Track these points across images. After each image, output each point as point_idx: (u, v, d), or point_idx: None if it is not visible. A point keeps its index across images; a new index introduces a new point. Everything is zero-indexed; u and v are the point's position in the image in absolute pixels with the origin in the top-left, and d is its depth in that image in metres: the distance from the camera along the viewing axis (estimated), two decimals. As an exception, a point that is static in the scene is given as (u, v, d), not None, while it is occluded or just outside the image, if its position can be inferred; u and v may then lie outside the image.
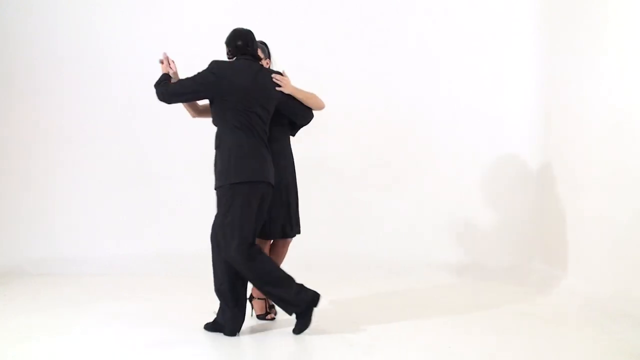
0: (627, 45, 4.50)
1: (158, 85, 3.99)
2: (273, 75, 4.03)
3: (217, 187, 3.94)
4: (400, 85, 6.00)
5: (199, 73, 3.95)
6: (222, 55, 5.96)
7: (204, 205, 5.93)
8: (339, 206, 5.79)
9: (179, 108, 5.99)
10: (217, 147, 3.98)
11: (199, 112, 4.30)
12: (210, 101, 3.99)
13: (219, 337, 3.93)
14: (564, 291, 4.93)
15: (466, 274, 5.64)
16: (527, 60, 5.87)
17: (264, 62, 4.21)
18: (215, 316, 4.01)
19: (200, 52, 6.02)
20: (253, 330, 4.05)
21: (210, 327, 4.00)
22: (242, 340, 3.88)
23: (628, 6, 4.53)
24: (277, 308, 4.24)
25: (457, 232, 5.93)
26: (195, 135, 6.04)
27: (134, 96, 6.01)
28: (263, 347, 3.78)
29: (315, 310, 4.13)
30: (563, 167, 5.31)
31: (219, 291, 3.94)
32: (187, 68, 5.95)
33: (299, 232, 4.26)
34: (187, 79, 3.93)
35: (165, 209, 5.99)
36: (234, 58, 4.04)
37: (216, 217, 3.95)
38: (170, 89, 3.93)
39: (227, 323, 3.91)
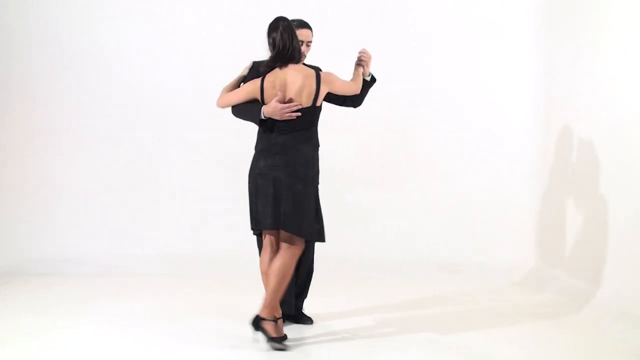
0: (627, 45, 4.50)
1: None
2: None
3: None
4: (400, 85, 5.98)
5: None
6: (223, 54, 5.98)
7: (205, 205, 5.96)
8: (338, 206, 5.77)
9: (180, 108, 6.04)
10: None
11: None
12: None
13: (217, 337, 3.93)
14: (564, 291, 4.93)
15: (466, 274, 5.63)
16: (528, 60, 5.86)
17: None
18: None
19: (201, 51, 6.04)
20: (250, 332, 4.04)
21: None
22: (240, 341, 3.87)
23: (628, 6, 4.52)
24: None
25: (457, 231, 5.93)
26: (196, 135, 6.05)
27: (135, 96, 6.00)
28: (261, 347, 3.78)
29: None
30: (563, 167, 5.31)
31: None
32: (188, 67, 6.01)
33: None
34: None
35: (166, 209, 5.98)
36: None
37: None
38: None
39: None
